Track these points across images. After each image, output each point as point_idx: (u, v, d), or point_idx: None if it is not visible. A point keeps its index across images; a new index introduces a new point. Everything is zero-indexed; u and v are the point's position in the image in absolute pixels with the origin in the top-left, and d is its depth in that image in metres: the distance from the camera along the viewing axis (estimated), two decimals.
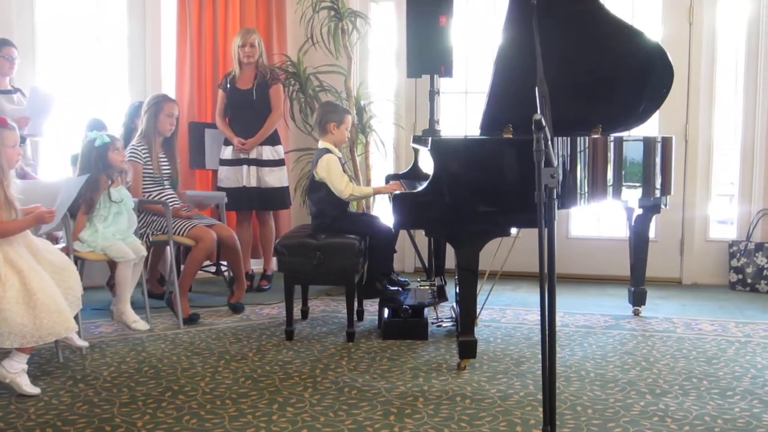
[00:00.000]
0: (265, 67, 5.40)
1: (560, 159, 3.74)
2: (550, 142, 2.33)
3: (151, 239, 4.69)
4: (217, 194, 5.38)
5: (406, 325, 4.21)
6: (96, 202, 4.22)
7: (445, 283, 4.86)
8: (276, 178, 5.41)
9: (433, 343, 4.13)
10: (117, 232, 4.27)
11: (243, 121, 5.37)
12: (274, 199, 5.44)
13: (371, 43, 6.03)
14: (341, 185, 4.30)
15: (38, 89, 4.98)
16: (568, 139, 3.80)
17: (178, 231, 4.62)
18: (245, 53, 5.30)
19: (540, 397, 3.24)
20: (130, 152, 4.69)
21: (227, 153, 5.40)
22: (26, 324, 3.25)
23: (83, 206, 4.21)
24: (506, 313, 4.80)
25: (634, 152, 4.24)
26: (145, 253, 4.42)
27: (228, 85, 5.38)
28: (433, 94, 4.90)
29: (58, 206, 3.77)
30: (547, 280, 2.25)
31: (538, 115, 2.19)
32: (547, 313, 2.24)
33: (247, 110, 5.35)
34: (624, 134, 4.47)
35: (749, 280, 5.45)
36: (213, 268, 5.65)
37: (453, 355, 3.90)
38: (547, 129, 2.32)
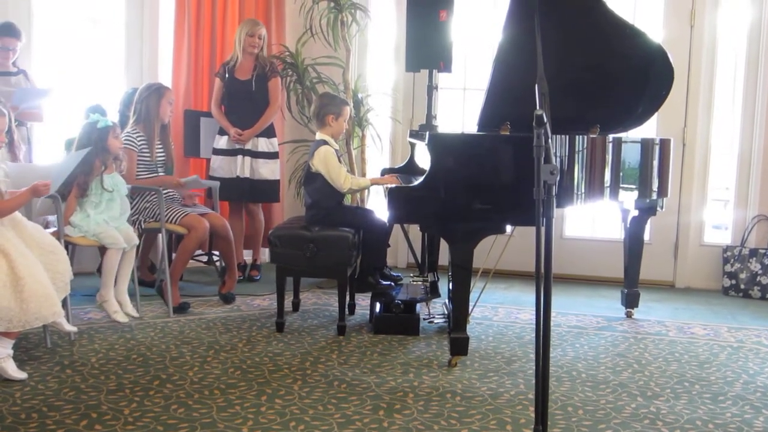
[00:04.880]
0: (264, 59, 5.36)
1: (558, 158, 3.72)
2: (549, 140, 2.30)
3: (143, 226, 4.65)
4: (210, 182, 5.33)
5: (398, 321, 4.19)
6: (89, 186, 4.17)
7: (438, 279, 4.84)
8: (269, 170, 5.37)
9: (425, 339, 4.11)
10: (109, 219, 4.23)
11: (240, 112, 5.32)
12: (265, 191, 5.41)
13: (370, 36, 6.00)
14: (340, 179, 4.27)
15: (33, 88, 4.94)
16: (567, 138, 3.77)
17: (170, 219, 4.59)
18: (252, 43, 5.27)
19: (531, 396, 3.23)
20: (126, 139, 4.65)
21: (222, 142, 5.36)
22: (12, 308, 3.21)
23: (76, 189, 4.16)
24: (498, 311, 4.78)
25: (632, 153, 4.22)
26: (137, 241, 4.37)
27: (227, 75, 5.34)
28: (431, 89, 4.88)
29: (54, 179, 3.71)
30: (544, 278, 2.22)
31: (539, 111, 2.16)
32: (542, 309, 2.22)
33: (245, 101, 5.31)
34: (622, 135, 4.45)
35: (742, 286, 5.45)
36: (205, 258, 5.61)
37: (444, 351, 3.88)
38: (547, 126, 2.30)
